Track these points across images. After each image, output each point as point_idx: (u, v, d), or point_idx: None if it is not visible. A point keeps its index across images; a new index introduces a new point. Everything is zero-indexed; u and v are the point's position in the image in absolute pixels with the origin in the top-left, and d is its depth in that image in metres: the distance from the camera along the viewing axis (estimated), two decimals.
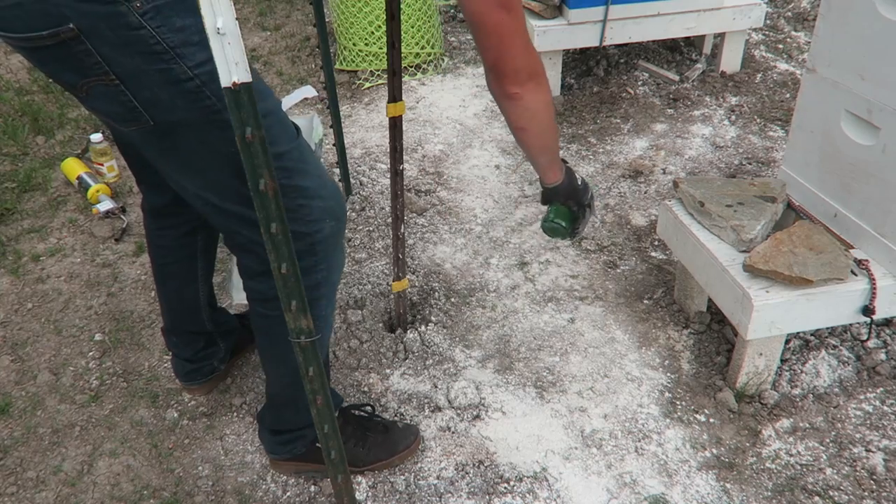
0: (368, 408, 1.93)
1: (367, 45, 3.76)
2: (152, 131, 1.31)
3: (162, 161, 1.42)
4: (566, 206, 1.75)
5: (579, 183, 1.72)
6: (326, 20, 3.84)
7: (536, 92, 1.46)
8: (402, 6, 3.41)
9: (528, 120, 1.54)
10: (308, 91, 1.83)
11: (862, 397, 2.01)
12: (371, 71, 3.78)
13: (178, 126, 1.29)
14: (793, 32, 4.07)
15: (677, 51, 3.82)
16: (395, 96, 1.78)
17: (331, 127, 2.68)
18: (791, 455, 1.88)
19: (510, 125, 1.55)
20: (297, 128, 1.44)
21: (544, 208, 1.76)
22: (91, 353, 2.24)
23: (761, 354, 1.96)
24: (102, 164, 2.96)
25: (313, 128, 1.75)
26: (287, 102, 1.72)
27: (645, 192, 2.89)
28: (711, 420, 1.98)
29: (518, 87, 1.46)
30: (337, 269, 1.60)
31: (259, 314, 1.61)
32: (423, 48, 3.82)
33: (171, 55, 1.19)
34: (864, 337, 2.12)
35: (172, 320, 1.98)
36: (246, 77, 0.95)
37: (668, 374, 2.12)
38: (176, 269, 1.89)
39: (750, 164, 3.02)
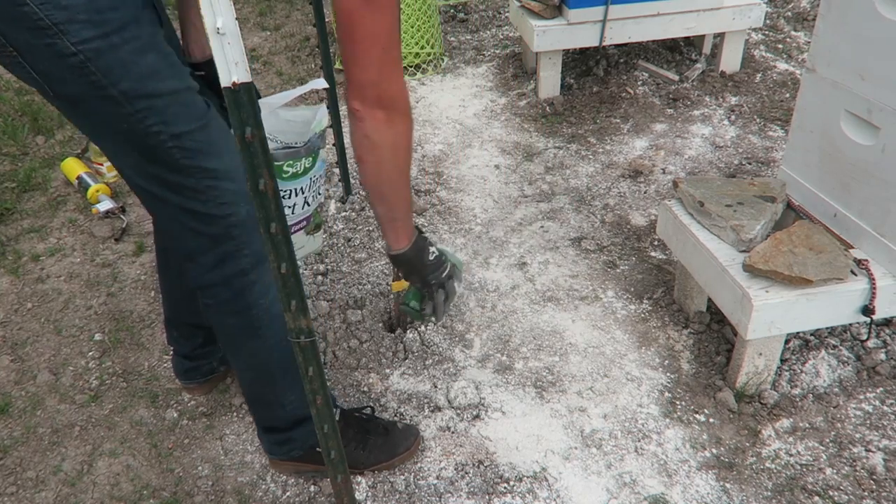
0: (368, 409, 1.93)
1: None
2: (60, 103, 1.34)
3: (84, 133, 1.48)
4: (413, 284, 1.66)
5: (431, 258, 1.60)
6: (326, 20, 3.83)
7: (385, 123, 1.34)
8: (401, 6, 3.41)
9: (366, 151, 1.42)
10: (319, 83, 1.83)
11: (862, 397, 2.01)
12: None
13: (77, 99, 1.31)
14: (792, 32, 4.07)
15: (677, 51, 3.82)
16: None
17: (330, 126, 2.68)
18: (791, 455, 1.88)
19: (354, 155, 1.43)
20: (207, 105, 1.42)
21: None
22: (91, 353, 2.24)
23: (761, 354, 1.96)
24: (102, 164, 2.96)
25: (316, 119, 1.74)
26: (295, 93, 1.72)
27: (645, 192, 2.89)
28: (711, 420, 1.98)
29: (359, 103, 1.34)
30: (267, 258, 1.55)
31: (203, 303, 1.58)
32: (422, 48, 3.82)
33: (54, 31, 1.21)
34: (864, 337, 2.12)
35: (172, 310, 1.97)
36: (246, 77, 0.95)
37: (668, 374, 2.12)
38: (176, 258, 1.82)
39: (750, 163, 3.02)
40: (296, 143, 1.72)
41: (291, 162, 1.73)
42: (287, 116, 1.72)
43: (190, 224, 1.45)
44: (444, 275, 1.68)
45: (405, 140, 1.41)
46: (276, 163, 1.68)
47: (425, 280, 1.65)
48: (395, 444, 1.85)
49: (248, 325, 1.56)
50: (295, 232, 1.93)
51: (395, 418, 1.99)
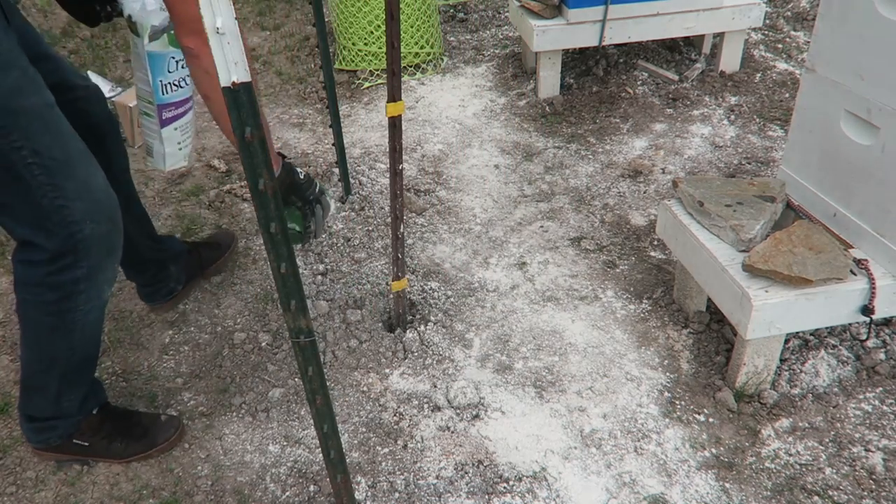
0: (132, 410, 2.00)
1: (366, 44, 3.76)
2: None
3: None
4: (292, 204, 1.73)
5: (302, 177, 1.71)
6: (326, 20, 3.83)
7: None
8: (401, 6, 3.41)
9: (210, 88, 1.44)
10: None
11: (861, 397, 2.01)
12: (370, 71, 3.78)
13: None
14: (792, 32, 4.07)
15: (677, 50, 3.82)
16: (394, 96, 1.78)
17: (330, 126, 2.68)
18: (790, 455, 1.88)
19: (200, 92, 1.47)
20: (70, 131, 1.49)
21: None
22: None
23: (760, 354, 1.96)
24: None
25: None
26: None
27: (644, 192, 2.89)
28: (711, 420, 1.98)
29: (192, 40, 1.34)
30: (102, 272, 1.63)
31: (23, 300, 1.64)
32: (422, 48, 3.82)
33: None
34: (864, 336, 2.12)
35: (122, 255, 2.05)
36: (245, 77, 0.95)
37: (668, 374, 2.12)
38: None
39: (749, 163, 3.02)
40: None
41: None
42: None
43: (34, 236, 1.52)
44: (318, 190, 1.76)
45: None
46: (171, 32, 1.80)
47: (304, 197, 1.72)
48: (155, 435, 1.92)
49: (62, 327, 1.65)
50: (188, 111, 2.01)
51: (161, 413, 2.02)
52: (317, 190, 1.76)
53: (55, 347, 1.69)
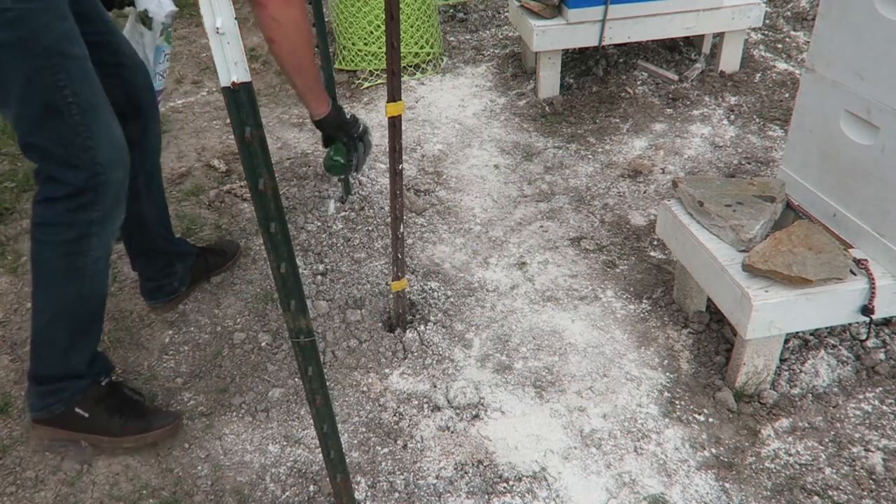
0: (140, 397, 2.02)
1: (366, 44, 3.76)
2: None
3: None
4: (339, 140, 1.96)
5: (348, 117, 1.93)
6: (326, 20, 3.84)
7: (285, 4, 1.60)
8: (401, 6, 3.41)
9: (276, 32, 1.67)
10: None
11: (861, 397, 2.01)
12: (370, 71, 3.78)
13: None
14: (792, 32, 4.07)
15: (676, 50, 3.82)
16: (394, 96, 1.79)
17: None
18: (790, 455, 1.88)
19: (264, 36, 1.69)
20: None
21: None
22: None
23: (760, 354, 1.96)
24: None
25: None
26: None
27: (644, 192, 2.89)
28: (710, 420, 1.98)
29: None
30: (111, 221, 1.77)
31: (36, 240, 1.74)
32: (422, 48, 3.82)
33: None
34: (864, 336, 2.12)
35: (129, 239, 2.19)
36: (245, 77, 0.95)
37: (668, 374, 2.12)
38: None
39: (749, 163, 3.02)
40: (174, 8, 2.03)
41: (172, 28, 2.05)
42: None
43: (61, 173, 1.66)
44: (361, 129, 1.98)
45: (304, 18, 1.67)
46: (169, 29, 2.00)
47: (350, 134, 1.94)
48: (150, 422, 1.94)
49: (73, 271, 1.74)
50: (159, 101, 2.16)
51: (166, 407, 2.06)
52: (360, 129, 1.98)
53: (65, 294, 1.77)
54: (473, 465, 1.88)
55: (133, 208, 2.04)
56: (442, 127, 3.38)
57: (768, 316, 1.84)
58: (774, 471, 1.85)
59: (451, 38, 4.26)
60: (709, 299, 2.19)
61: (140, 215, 2.12)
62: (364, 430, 1.98)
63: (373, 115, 3.48)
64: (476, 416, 2.00)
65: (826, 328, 2.15)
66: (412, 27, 3.76)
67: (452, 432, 1.96)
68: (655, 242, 2.62)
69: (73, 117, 1.61)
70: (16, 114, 1.62)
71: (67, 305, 1.78)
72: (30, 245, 1.75)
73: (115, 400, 1.93)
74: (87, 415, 1.88)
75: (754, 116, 3.33)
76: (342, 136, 1.95)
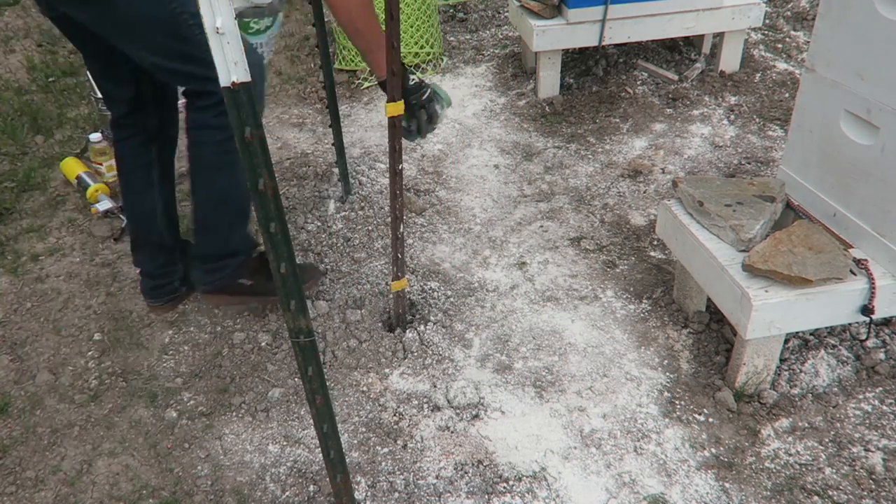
0: None
1: None
2: (101, 10, 1.73)
3: (116, 37, 1.82)
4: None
5: (410, 83, 1.97)
6: (326, 20, 3.84)
7: None
8: (401, 6, 3.41)
9: None
10: None
11: (861, 397, 2.01)
12: (370, 70, 3.78)
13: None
14: (792, 32, 4.07)
15: (676, 50, 3.82)
16: (394, 96, 1.78)
17: (330, 126, 2.68)
18: (790, 455, 1.88)
19: (326, 2, 1.85)
20: None
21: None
22: (90, 353, 2.24)
23: (760, 354, 1.96)
24: (101, 164, 2.96)
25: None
26: None
27: (644, 192, 2.89)
28: (710, 420, 1.98)
29: None
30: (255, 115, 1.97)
31: (194, 142, 1.95)
32: (421, 48, 3.82)
33: None
34: (863, 336, 2.12)
35: (135, 231, 2.26)
36: (245, 77, 0.95)
37: (667, 374, 2.12)
38: (134, 178, 2.18)
39: (749, 163, 3.02)
40: (261, 4, 2.01)
41: (257, 20, 2.01)
42: None
43: (203, 86, 1.85)
44: (425, 97, 1.99)
45: None
46: (244, 19, 1.98)
47: (407, 101, 1.94)
48: (303, 276, 2.08)
49: (227, 166, 1.96)
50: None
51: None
52: (423, 97, 1.99)
53: (224, 186, 2.01)
54: (473, 464, 1.88)
55: (145, 199, 2.18)
56: (441, 127, 3.38)
57: (768, 316, 1.84)
58: (774, 471, 1.85)
59: (451, 38, 4.26)
60: (709, 299, 2.19)
61: (151, 207, 2.18)
62: (364, 429, 1.98)
63: (373, 115, 3.48)
64: (476, 416, 2.00)
65: (826, 328, 2.15)
66: (412, 27, 3.76)
67: (452, 432, 1.96)
68: (655, 242, 2.62)
69: (198, 36, 1.73)
70: (151, 50, 1.79)
71: (226, 194, 2.03)
72: (187, 147, 1.99)
73: (269, 266, 2.09)
74: (249, 283, 2.15)
75: (754, 116, 3.33)
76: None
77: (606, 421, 1.98)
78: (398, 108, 1.79)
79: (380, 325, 2.29)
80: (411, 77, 1.96)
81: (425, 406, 2.04)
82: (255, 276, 2.15)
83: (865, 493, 1.78)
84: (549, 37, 3.33)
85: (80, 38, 1.96)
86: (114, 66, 2.00)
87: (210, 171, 2.00)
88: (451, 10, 4.57)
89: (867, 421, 1.95)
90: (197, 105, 1.91)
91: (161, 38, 1.78)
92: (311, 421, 1.53)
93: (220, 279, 2.13)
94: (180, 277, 2.35)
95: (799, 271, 1.81)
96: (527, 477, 1.85)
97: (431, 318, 2.31)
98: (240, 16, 2.01)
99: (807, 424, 1.95)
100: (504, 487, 1.82)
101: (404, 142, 1.98)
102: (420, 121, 2.00)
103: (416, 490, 1.82)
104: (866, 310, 1.87)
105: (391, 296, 2.27)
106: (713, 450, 1.90)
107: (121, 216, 2.78)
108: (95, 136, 2.93)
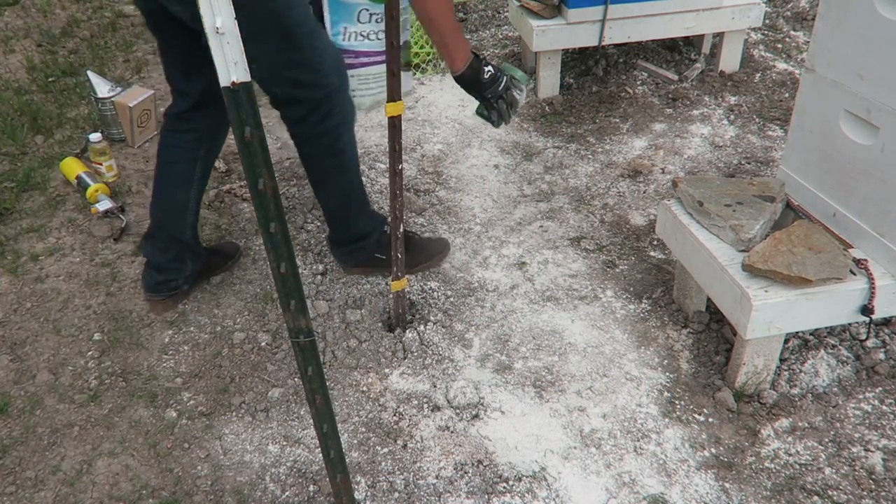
0: (414, 234, 2.54)
1: None
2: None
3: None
4: (474, 97, 2.01)
5: (486, 77, 1.96)
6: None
7: None
8: (400, 6, 3.40)
9: None
10: None
11: (861, 397, 2.01)
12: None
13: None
14: (792, 32, 4.07)
15: (676, 50, 3.82)
16: (393, 96, 1.78)
17: None
18: (790, 455, 1.88)
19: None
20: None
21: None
22: (90, 353, 2.24)
23: (760, 354, 1.96)
24: (101, 164, 2.96)
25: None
26: None
27: (644, 192, 2.89)
28: (710, 420, 1.98)
29: None
30: (351, 117, 2.14)
31: (304, 153, 2.18)
32: (421, 48, 3.82)
33: None
34: (863, 336, 2.12)
35: (158, 221, 2.30)
36: (245, 77, 0.95)
37: (667, 374, 2.12)
38: (176, 170, 2.24)
39: (749, 163, 3.02)
40: None
41: None
42: None
43: (305, 94, 2.00)
44: (501, 88, 1.99)
45: None
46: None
47: (483, 95, 2.00)
48: (431, 250, 2.51)
49: (340, 165, 2.19)
50: (375, 63, 2.15)
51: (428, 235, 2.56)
52: (500, 87, 1.98)
53: (343, 183, 2.24)
54: (473, 464, 1.88)
55: (181, 192, 2.25)
56: (441, 127, 3.37)
57: (768, 316, 1.84)
58: (774, 471, 1.85)
59: None
60: (708, 299, 2.19)
61: (185, 201, 2.26)
62: (364, 429, 1.98)
63: (372, 115, 3.48)
64: (476, 416, 2.00)
65: (826, 328, 2.15)
66: (412, 27, 3.76)
67: (452, 432, 1.96)
68: (655, 242, 2.62)
69: (301, 41, 1.90)
70: (256, 47, 1.87)
71: (343, 189, 2.25)
72: (302, 153, 2.18)
73: (409, 241, 2.37)
74: (384, 257, 2.34)
75: (754, 116, 3.33)
76: (475, 95, 2.01)
77: (606, 421, 1.98)
78: (397, 107, 1.79)
79: (380, 325, 2.29)
80: (486, 70, 1.94)
81: (425, 406, 2.04)
82: (388, 252, 2.23)
83: (865, 493, 1.78)
84: (549, 37, 3.33)
85: (167, 32, 2.02)
86: (191, 62, 2.04)
87: (325, 174, 2.21)
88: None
89: (867, 421, 1.95)
90: (297, 115, 2.07)
91: (268, 43, 1.87)
92: (311, 421, 1.53)
93: (358, 257, 2.41)
94: (186, 276, 2.36)
95: (799, 271, 1.81)
96: (527, 477, 1.85)
97: (431, 318, 2.31)
98: None
99: (807, 424, 1.95)
100: (504, 487, 1.82)
101: (404, 142, 1.99)
102: (501, 111, 2.01)
103: (415, 490, 1.82)
104: (866, 310, 1.87)
105: (391, 296, 2.27)
106: (713, 450, 1.90)
107: (120, 216, 2.78)
108: (95, 136, 2.93)
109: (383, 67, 2.04)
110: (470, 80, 1.96)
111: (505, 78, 1.99)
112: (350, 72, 2.10)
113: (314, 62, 1.97)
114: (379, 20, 2.01)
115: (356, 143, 2.22)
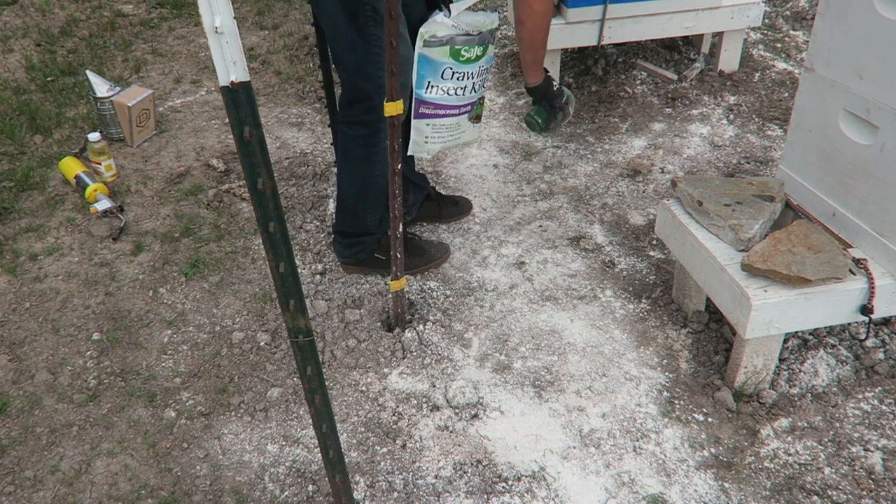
0: (415, 236, 2.55)
1: None
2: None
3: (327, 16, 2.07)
4: (542, 105, 2.40)
5: (555, 89, 2.35)
6: None
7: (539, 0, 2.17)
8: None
9: (527, 15, 2.22)
10: None
11: (860, 396, 2.01)
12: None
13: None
14: (791, 31, 4.07)
15: (676, 50, 3.82)
16: (393, 96, 1.78)
17: (329, 126, 2.67)
18: (789, 454, 1.88)
19: (515, 18, 2.24)
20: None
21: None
22: (89, 353, 2.23)
23: (759, 354, 1.96)
24: (100, 164, 2.95)
25: (489, 18, 2.15)
26: (464, 4, 2.13)
27: (643, 192, 2.89)
28: (710, 419, 1.98)
29: None
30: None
31: (344, 133, 2.23)
32: None
33: None
34: (863, 336, 2.12)
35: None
36: (244, 76, 0.95)
37: (667, 374, 2.12)
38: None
39: (748, 163, 3.02)
40: (471, 33, 2.09)
41: (467, 48, 2.10)
42: (466, 17, 2.09)
43: (361, 82, 2.09)
44: (563, 100, 2.42)
45: (550, 9, 2.23)
46: (455, 47, 2.07)
47: (552, 104, 2.38)
48: (432, 254, 2.51)
49: (368, 157, 2.24)
50: (463, 114, 2.25)
51: (433, 239, 2.60)
52: (563, 100, 2.41)
53: (366, 175, 2.27)
54: (472, 464, 1.88)
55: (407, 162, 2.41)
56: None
57: (767, 315, 1.84)
58: (773, 470, 1.85)
59: None
60: (708, 299, 2.19)
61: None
62: (363, 429, 1.98)
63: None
64: (475, 416, 2.00)
65: (825, 328, 2.15)
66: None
67: (451, 432, 1.96)
68: (654, 242, 2.62)
69: (370, 30, 1.99)
70: (335, 31, 2.05)
71: (364, 181, 2.28)
72: (341, 133, 2.25)
73: (413, 243, 2.47)
74: (384, 257, 2.38)
75: (753, 116, 3.33)
76: (544, 103, 2.39)
77: (605, 421, 1.98)
78: (397, 107, 1.79)
79: (379, 324, 2.29)
80: (555, 84, 2.34)
81: (424, 406, 2.04)
82: (389, 253, 2.23)
83: (865, 492, 1.78)
84: (549, 36, 3.32)
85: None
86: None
87: (354, 162, 2.26)
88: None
89: (866, 421, 1.95)
90: (350, 98, 2.16)
91: (345, 43, 2.03)
92: (310, 421, 1.52)
93: (358, 253, 2.42)
94: (408, 207, 2.56)
95: (798, 271, 1.81)
96: (526, 477, 1.85)
97: (430, 317, 2.31)
98: (450, 42, 2.08)
99: (806, 424, 1.95)
100: (503, 487, 1.82)
101: (404, 143, 2.02)
102: (557, 120, 2.39)
103: (415, 490, 1.82)
104: (865, 309, 1.87)
105: (390, 295, 2.27)
106: (712, 449, 1.90)
107: (119, 216, 2.77)
108: (94, 136, 2.93)
109: (458, 119, 2.24)
110: (543, 91, 2.37)
111: (567, 94, 2.37)
112: (427, 121, 2.21)
113: (374, 53, 2.06)
114: (461, 78, 2.15)
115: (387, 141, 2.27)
